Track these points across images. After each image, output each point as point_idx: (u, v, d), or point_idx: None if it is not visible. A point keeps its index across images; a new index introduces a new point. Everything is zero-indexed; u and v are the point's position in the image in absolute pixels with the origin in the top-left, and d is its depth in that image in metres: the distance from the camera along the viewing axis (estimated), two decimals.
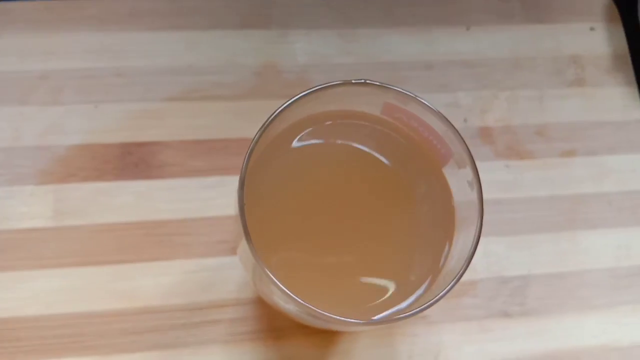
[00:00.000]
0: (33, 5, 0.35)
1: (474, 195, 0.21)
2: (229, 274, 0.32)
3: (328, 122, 0.24)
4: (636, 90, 0.38)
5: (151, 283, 0.32)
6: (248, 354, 0.31)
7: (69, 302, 0.31)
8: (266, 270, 0.20)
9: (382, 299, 0.23)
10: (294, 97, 0.21)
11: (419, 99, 0.22)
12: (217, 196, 0.33)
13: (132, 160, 0.33)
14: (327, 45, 0.37)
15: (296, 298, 0.19)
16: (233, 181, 0.29)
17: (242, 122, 0.35)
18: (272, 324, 0.32)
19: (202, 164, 0.34)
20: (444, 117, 0.22)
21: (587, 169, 0.37)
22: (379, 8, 0.38)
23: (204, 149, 0.34)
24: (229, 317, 0.32)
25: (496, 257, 0.34)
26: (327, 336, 0.32)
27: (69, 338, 0.30)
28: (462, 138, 0.21)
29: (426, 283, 0.22)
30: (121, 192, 0.33)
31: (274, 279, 0.19)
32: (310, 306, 0.19)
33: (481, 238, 0.34)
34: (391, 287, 0.23)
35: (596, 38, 0.39)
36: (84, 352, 0.30)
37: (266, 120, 0.20)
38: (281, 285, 0.19)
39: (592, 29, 0.39)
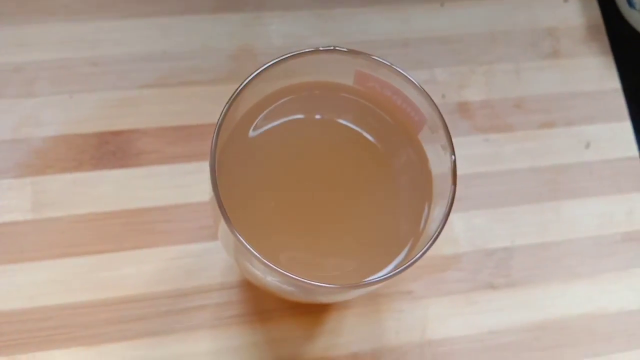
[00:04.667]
0: None
1: (447, 158, 0.21)
2: (212, 259, 0.32)
3: (300, 95, 0.24)
4: (612, 59, 0.39)
5: (134, 271, 0.31)
6: (236, 337, 0.31)
7: (52, 294, 0.31)
8: (241, 239, 0.19)
9: (363, 267, 0.23)
10: (259, 68, 0.20)
11: (388, 64, 0.22)
12: (196, 182, 0.33)
13: (110, 149, 0.33)
14: (303, 26, 0.37)
15: (273, 266, 0.19)
16: None
17: (220, 107, 0.34)
18: (259, 307, 0.32)
19: (181, 150, 0.34)
20: (414, 82, 0.22)
21: (567, 140, 0.37)
22: None
23: (182, 135, 0.34)
24: (214, 301, 0.31)
25: (479, 230, 0.34)
26: (314, 316, 0.32)
27: (54, 330, 0.30)
28: (433, 101, 0.21)
29: (407, 247, 0.23)
30: (100, 182, 0.33)
31: (248, 246, 0.19)
32: (286, 272, 0.19)
33: (464, 212, 0.34)
34: (373, 254, 0.23)
35: (570, 9, 0.39)
36: (70, 343, 0.30)
37: (233, 93, 0.20)
38: (254, 251, 0.19)
39: (565, 0, 0.39)
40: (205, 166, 0.33)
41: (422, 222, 0.23)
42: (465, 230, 0.34)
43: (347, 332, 0.32)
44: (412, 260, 0.19)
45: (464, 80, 0.37)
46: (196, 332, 0.31)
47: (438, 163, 0.23)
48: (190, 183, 0.33)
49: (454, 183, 0.21)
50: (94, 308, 0.31)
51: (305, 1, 0.37)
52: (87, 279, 0.31)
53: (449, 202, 0.20)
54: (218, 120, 0.21)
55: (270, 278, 0.21)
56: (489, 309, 0.33)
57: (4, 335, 0.30)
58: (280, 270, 0.19)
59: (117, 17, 0.35)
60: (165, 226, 0.32)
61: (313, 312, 0.32)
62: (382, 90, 0.23)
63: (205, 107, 0.34)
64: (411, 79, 0.22)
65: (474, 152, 0.36)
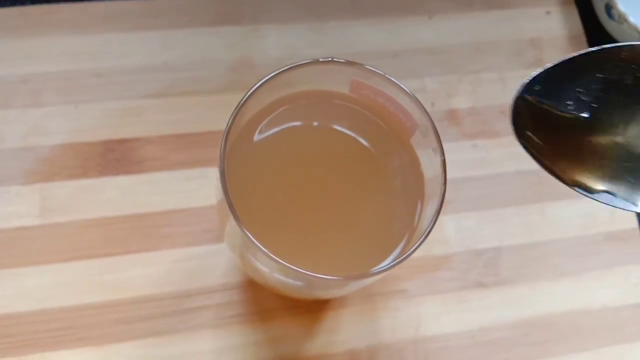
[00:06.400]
0: (8, 12, 0.36)
1: (437, 159, 0.23)
2: (215, 261, 0.33)
3: (299, 103, 0.25)
4: None
5: (140, 274, 0.33)
6: (237, 336, 0.32)
7: (59, 296, 0.32)
8: (250, 236, 0.21)
9: (362, 261, 0.24)
10: (263, 78, 0.22)
11: (382, 73, 0.23)
12: (198, 187, 0.34)
13: (115, 157, 0.34)
14: (298, 38, 0.38)
15: (276, 258, 0.20)
16: (213, 172, 0.31)
17: (220, 115, 0.36)
18: (260, 306, 0.33)
19: (183, 157, 0.35)
20: (406, 90, 0.23)
21: None
22: (346, 1, 0.40)
23: (183, 143, 0.35)
24: (217, 302, 0.33)
25: (469, 231, 0.36)
26: (313, 315, 0.33)
27: (61, 331, 0.31)
28: (423, 107, 0.23)
29: (402, 244, 0.24)
30: (105, 188, 0.34)
31: (257, 243, 0.21)
32: (292, 266, 0.20)
33: (454, 214, 0.36)
34: (371, 250, 0.25)
35: (553, 21, 0.41)
36: (77, 344, 0.31)
37: (240, 101, 0.22)
38: (263, 247, 0.20)
39: (548, 12, 0.41)
40: (206, 172, 0.35)
41: (416, 220, 0.25)
42: (455, 232, 0.36)
43: (344, 330, 0.33)
44: (406, 254, 0.21)
45: (452, 88, 0.39)
46: (200, 331, 0.32)
47: (429, 165, 0.24)
48: (192, 188, 0.34)
49: (444, 182, 0.22)
50: (101, 309, 0.32)
51: (300, 14, 0.39)
52: (94, 281, 0.32)
53: (440, 199, 0.22)
54: (226, 126, 0.22)
55: (276, 273, 0.22)
56: (479, 306, 0.35)
57: (14, 336, 0.31)
58: (287, 264, 0.20)
59: (119, 30, 0.37)
60: (169, 230, 0.34)
61: (312, 311, 0.33)
62: (376, 98, 0.25)
63: (205, 115, 0.36)
64: (403, 87, 0.24)
65: (462, 157, 0.37)
